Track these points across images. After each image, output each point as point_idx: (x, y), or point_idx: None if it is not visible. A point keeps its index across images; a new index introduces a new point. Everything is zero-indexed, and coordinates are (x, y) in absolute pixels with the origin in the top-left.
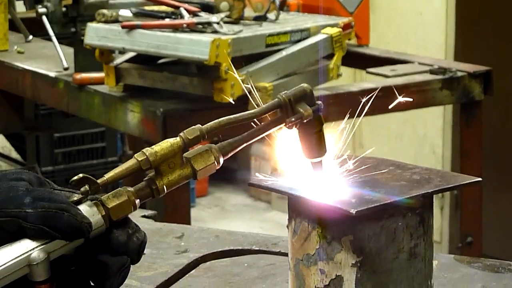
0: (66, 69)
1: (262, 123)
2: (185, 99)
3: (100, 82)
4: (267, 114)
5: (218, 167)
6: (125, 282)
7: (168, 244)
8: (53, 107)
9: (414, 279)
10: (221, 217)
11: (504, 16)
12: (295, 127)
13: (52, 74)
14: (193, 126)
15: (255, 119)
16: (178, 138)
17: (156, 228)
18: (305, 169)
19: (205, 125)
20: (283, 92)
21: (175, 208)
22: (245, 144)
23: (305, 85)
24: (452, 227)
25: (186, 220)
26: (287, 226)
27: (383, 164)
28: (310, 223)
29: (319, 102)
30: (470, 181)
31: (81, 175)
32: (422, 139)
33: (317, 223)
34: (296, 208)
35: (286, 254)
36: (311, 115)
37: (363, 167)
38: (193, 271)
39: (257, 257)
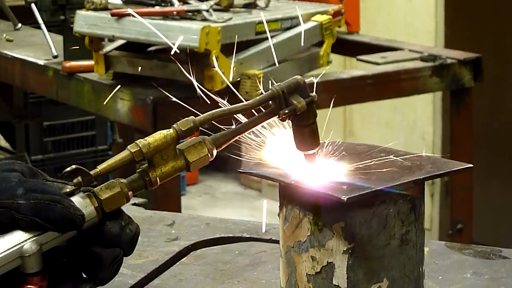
0: (55, 57)
1: (256, 115)
2: (175, 87)
3: (89, 70)
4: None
5: (211, 159)
6: None
7: (158, 232)
8: (43, 95)
9: (405, 266)
10: (212, 205)
11: (494, 3)
12: (288, 119)
13: (41, 62)
14: (187, 118)
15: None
16: (171, 130)
17: (147, 216)
18: (296, 156)
19: (198, 117)
20: (276, 84)
21: (165, 196)
22: (238, 136)
23: (298, 77)
24: (442, 214)
25: (177, 208)
26: (278, 214)
27: (374, 151)
28: (301, 210)
29: (313, 94)
30: (461, 167)
31: (73, 166)
32: (412, 126)
33: (308, 210)
34: (287, 195)
35: (277, 242)
36: (304, 107)
37: (355, 153)
38: (184, 258)
39: (248, 244)
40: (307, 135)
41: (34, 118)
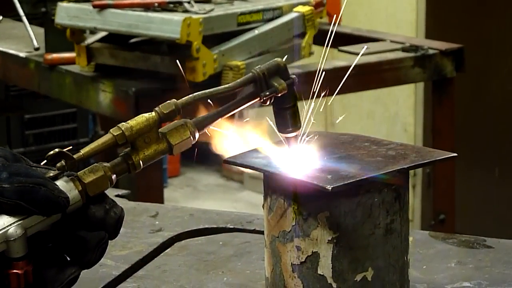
0: (37, 49)
1: (237, 98)
2: (157, 78)
3: (71, 62)
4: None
5: (193, 142)
6: (100, 262)
7: (142, 223)
8: (24, 88)
9: (390, 255)
10: (193, 197)
11: None
12: (270, 101)
13: (22, 54)
14: (168, 101)
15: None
16: (153, 113)
17: (130, 207)
18: (280, 146)
19: (180, 100)
20: (257, 67)
21: (147, 188)
22: (220, 119)
23: (278, 59)
24: (424, 205)
25: (159, 200)
26: (263, 206)
27: (358, 140)
28: (286, 200)
29: (293, 76)
30: (445, 156)
31: (56, 150)
32: (393, 117)
33: (293, 199)
34: (271, 185)
35: (261, 232)
36: (285, 88)
37: (339, 143)
38: (168, 249)
39: (232, 235)
40: (288, 117)
41: (15, 111)
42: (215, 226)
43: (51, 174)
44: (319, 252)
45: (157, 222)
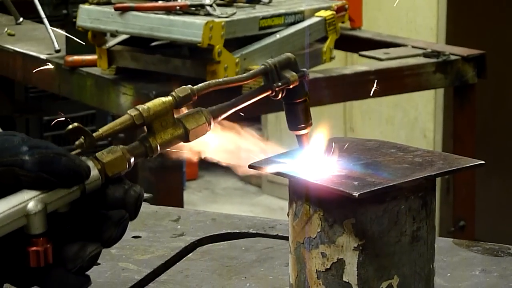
0: (57, 51)
1: (250, 90)
2: (178, 81)
3: (92, 64)
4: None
5: (209, 129)
6: (121, 266)
7: (164, 227)
8: (43, 90)
9: (416, 263)
10: (211, 200)
11: None
12: (281, 94)
13: (43, 56)
14: (183, 86)
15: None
16: (169, 97)
17: (152, 211)
18: (306, 152)
19: (196, 86)
20: (268, 59)
21: (167, 192)
22: (234, 109)
23: (289, 54)
24: (443, 211)
25: (179, 204)
26: (287, 214)
27: (385, 147)
28: (311, 206)
29: (304, 69)
30: (473, 163)
31: (75, 124)
32: (413, 123)
33: (319, 206)
34: (297, 191)
35: (283, 238)
36: (297, 80)
37: (365, 149)
38: (190, 254)
39: (254, 240)
40: (299, 113)
41: (34, 112)
42: (237, 231)
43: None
44: (345, 259)
45: (179, 227)
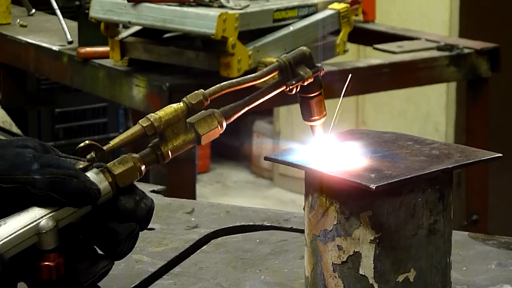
0: (70, 42)
1: (264, 87)
2: (191, 74)
3: (104, 56)
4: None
5: (221, 131)
6: (135, 258)
7: (178, 219)
8: (55, 82)
9: (433, 256)
10: (223, 193)
11: None
12: (296, 90)
13: (55, 48)
14: (196, 91)
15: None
16: (181, 103)
17: (166, 203)
18: (322, 144)
19: (208, 90)
20: (282, 55)
21: (180, 184)
22: (247, 108)
23: (304, 48)
24: (455, 205)
25: (192, 196)
26: (303, 208)
27: (401, 139)
28: (328, 199)
29: (319, 64)
30: (490, 156)
31: (87, 141)
32: (425, 117)
33: (335, 198)
34: (313, 183)
35: (298, 230)
36: (311, 77)
37: (381, 141)
38: (204, 246)
39: (269, 233)
40: (313, 105)
41: (46, 104)
42: (251, 223)
43: (81, 166)
44: (361, 252)
45: (193, 219)
